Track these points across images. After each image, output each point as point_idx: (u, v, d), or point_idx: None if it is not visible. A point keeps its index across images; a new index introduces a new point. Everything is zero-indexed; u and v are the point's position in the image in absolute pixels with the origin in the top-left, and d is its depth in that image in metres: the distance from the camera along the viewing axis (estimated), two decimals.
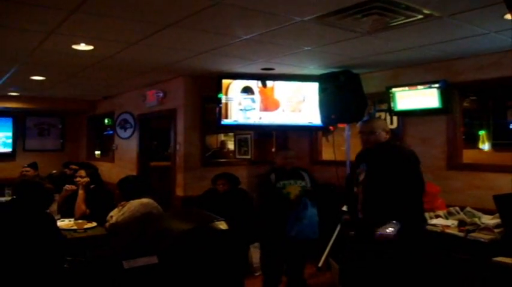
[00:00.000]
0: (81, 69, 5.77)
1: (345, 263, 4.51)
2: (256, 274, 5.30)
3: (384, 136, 3.46)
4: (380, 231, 3.13)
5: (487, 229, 3.37)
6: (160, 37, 4.12)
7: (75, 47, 4.45)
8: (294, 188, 4.65)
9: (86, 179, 4.90)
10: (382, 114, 5.79)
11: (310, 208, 4.49)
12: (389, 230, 3.09)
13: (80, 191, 4.81)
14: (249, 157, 7.25)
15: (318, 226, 4.49)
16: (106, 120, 9.58)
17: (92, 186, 4.90)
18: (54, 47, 4.45)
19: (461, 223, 3.53)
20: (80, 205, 4.74)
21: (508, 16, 3.30)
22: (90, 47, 4.49)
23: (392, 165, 3.34)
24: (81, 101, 9.43)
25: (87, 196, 4.84)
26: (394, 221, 3.12)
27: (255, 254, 5.37)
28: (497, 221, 3.43)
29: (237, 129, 7.00)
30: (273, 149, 7.34)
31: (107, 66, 5.54)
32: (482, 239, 3.28)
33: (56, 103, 9.17)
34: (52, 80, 6.69)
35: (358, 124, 3.71)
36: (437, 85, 4.95)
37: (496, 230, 3.32)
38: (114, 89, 7.88)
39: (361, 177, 3.45)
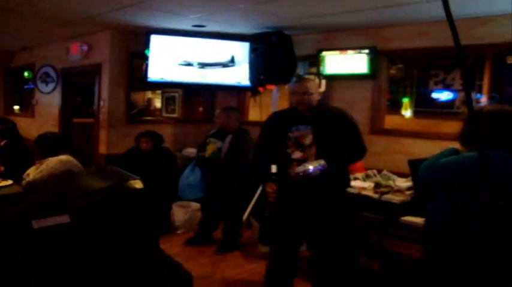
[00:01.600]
0: None
1: (266, 221, 4.60)
2: (178, 232, 5.33)
3: (316, 98, 3.37)
4: (298, 169, 3.11)
5: (399, 191, 3.55)
6: None
7: None
8: (211, 147, 5.03)
9: None
10: (312, 77, 5.83)
11: (192, 171, 4.93)
12: (309, 167, 3.08)
13: None
14: (176, 115, 7.14)
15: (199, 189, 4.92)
16: (26, 73, 9.01)
17: (4, 141, 4.61)
18: None
19: (377, 185, 3.69)
20: None
21: None
22: None
23: (343, 126, 3.32)
24: None
25: (1, 153, 4.57)
26: (322, 162, 3.11)
27: (177, 212, 5.38)
28: (409, 184, 3.62)
29: (164, 87, 6.86)
30: (200, 109, 7.29)
31: (24, 13, 5.14)
32: (394, 201, 3.45)
33: None
34: None
35: (290, 84, 3.52)
36: (367, 51, 5.06)
37: (407, 193, 3.51)
38: (34, 40, 7.38)
39: (307, 140, 3.29)
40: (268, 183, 3.31)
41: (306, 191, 3.27)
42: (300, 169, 3.11)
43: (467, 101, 1.29)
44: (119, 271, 1.85)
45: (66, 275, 1.77)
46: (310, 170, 3.07)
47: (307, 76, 5.62)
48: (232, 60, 5.94)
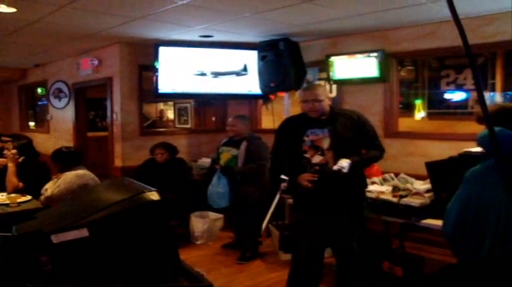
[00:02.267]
0: (4, 35, 5.40)
1: (287, 230, 4.59)
2: (197, 243, 5.33)
3: (327, 103, 3.35)
4: (338, 165, 3.16)
5: (418, 193, 3.51)
6: (90, 0, 3.92)
7: None
8: (225, 155, 4.99)
9: (13, 152, 4.65)
10: (322, 83, 5.85)
11: (220, 179, 4.87)
12: (344, 165, 3.14)
13: (9, 165, 4.57)
14: (189, 125, 7.17)
15: (228, 197, 4.84)
16: (39, 90, 9.14)
17: (22, 158, 4.66)
18: None
19: (395, 189, 3.65)
20: (11, 179, 4.51)
21: None
22: (12, 10, 4.19)
23: (359, 127, 3.34)
24: (10, 68, 8.89)
25: (19, 169, 4.62)
26: (348, 160, 3.17)
27: (196, 223, 5.38)
28: (427, 186, 3.57)
29: (175, 97, 6.89)
30: (213, 118, 7.30)
31: (35, 32, 5.21)
32: (413, 204, 3.41)
33: None
34: None
35: (300, 92, 3.54)
36: (375, 54, 5.04)
37: (426, 195, 3.47)
38: (45, 57, 7.47)
39: (325, 143, 3.28)
40: (306, 174, 3.29)
41: (327, 195, 3.27)
42: (336, 167, 3.15)
43: (480, 101, 1.27)
44: (139, 284, 1.85)
45: None
46: (345, 170, 3.13)
47: (315, 83, 5.67)
48: (245, 69, 5.97)
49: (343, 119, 3.34)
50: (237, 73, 5.97)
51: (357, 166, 3.26)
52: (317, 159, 3.30)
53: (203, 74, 5.87)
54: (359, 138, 3.34)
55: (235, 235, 5.24)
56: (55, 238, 1.83)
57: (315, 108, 3.30)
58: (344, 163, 3.14)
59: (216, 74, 5.91)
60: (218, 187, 4.86)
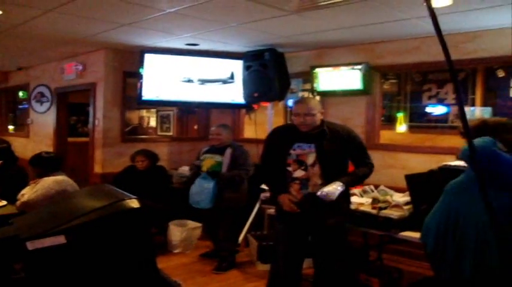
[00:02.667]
0: None
1: (265, 240, 4.58)
2: (175, 251, 5.29)
3: (319, 117, 3.28)
4: (325, 190, 3.10)
5: (397, 206, 3.54)
6: (78, 6, 3.91)
7: None
8: (208, 161, 4.92)
9: None
10: (306, 94, 5.89)
11: (205, 180, 4.79)
12: (332, 192, 3.09)
13: None
14: (171, 133, 7.14)
15: (210, 199, 4.72)
16: (21, 93, 9.02)
17: (0, 162, 4.59)
18: None
19: (375, 201, 3.67)
20: None
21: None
22: None
23: (348, 144, 3.29)
24: None
25: None
26: (339, 186, 3.12)
27: (174, 231, 5.34)
28: (407, 199, 3.61)
29: (159, 105, 6.86)
30: (195, 127, 7.29)
31: (20, 35, 5.17)
32: (392, 216, 3.44)
33: None
34: None
35: (293, 104, 3.46)
36: (359, 67, 5.10)
37: (405, 207, 3.50)
38: (29, 60, 7.41)
39: (310, 159, 3.23)
40: (287, 196, 3.27)
41: (310, 210, 3.25)
42: (321, 194, 3.09)
43: (461, 115, 1.30)
44: None
45: None
46: (333, 197, 3.09)
47: (299, 94, 5.70)
48: (231, 77, 5.99)
49: (332, 134, 3.27)
50: (224, 81, 5.98)
51: (348, 187, 3.26)
52: (299, 174, 3.26)
53: (190, 81, 5.87)
54: (347, 155, 3.31)
55: (213, 244, 5.21)
56: (30, 245, 1.79)
57: (306, 122, 3.23)
58: (333, 190, 3.10)
59: (203, 81, 5.92)
60: (202, 187, 4.79)
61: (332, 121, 3.56)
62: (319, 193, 3.10)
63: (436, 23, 1.22)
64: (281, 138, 3.41)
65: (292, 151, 3.28)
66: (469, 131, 1.41)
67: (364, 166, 3.35)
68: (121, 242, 1.89)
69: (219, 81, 5.98)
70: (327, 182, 3.17)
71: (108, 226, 1.86)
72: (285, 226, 3.38)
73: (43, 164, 4.22)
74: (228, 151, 4.86)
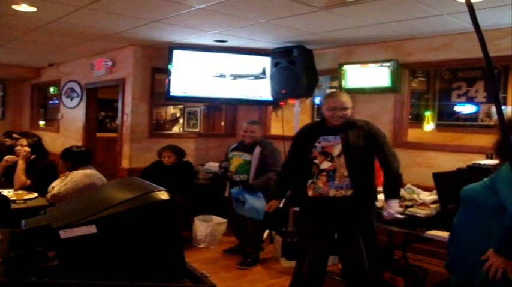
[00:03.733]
0: (23, 33, 5.49)
1: (290, 237, 4.58)
2: (200, 246, 5.33)
3: (350, 113, 3.43)
4: (389, 211, 3.27)
5: (424, 204, 3.49)
6: (108, 2, 3.98)
7: (15, 7, 4.21)
8: (236, 160, 4.92)
9: (27, 150, 4.70)
10: (344, 92, 5.85)
11: (246, 193, 4.69)
12: (395, 212, 3.28)
13: (20, 162, 4.62)
14: (197, 129, 7.19)
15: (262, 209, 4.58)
16: (52, 89, 9.23)
17: (33, 156, 4.71)
18: None
19: (401, 199, 3.63)
20: (20, 176, 4.55)
21: None
22: (33, 9, 4.27)
23: (372, 136, 3.36)
24: (25, 67, 9.01)
25: (28, 167, 4.66)
26: (396, 200, 3.31)
27: (199, 226, 5.39)
28: (434, 197, 3.56)
29: (187, 101, 6.92)
30: (222, 123, 7.33)
31: (52, 31, 5.29)
32: (419, 214, 3.39)
33: None
34: None
35: (323, 99, 3.54)
36: (388, 64, 5.05)
37: (432, 206, 3.45)
38: (60, 56, 7.56)
39: (336, 150, 3.31)
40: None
41: (336, 207, 3.32)
42: (387, 214, 3.28)
43: (498, 111, 1.27)
44: (146, 281, 1.86)
45: (92, 285, 1.79)
46: (396, 216, 3.28)
47: (327, 91, 5.68)
48: (263, 72, 6.00)
49: (355, 128, 3.36)
50: (256, 76, 6.00)
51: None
52: (325, 165, 3.32)
53: (222, 76, 5.92)
54: (370, 147, 3.34)
55: (238, 240, 5.23)
56: (63, 233, 1.84)
57: (340, 116, 3.34)
58: (396, 208, 3.29)
59: (236, 77, 5.96)
60: (253, 204, 4.69)
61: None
62: (385, 214, 3.30)
63: (474, 17, 1.20)
64: (307, 134, 3.51)
65: (317, 144, 3.36)
66: (506, 126, 1.36)
67: (388, 158, 3.38)
68: (150, 232, 1.93)
69: (251, 77, 6.00)
70: (352, 173, 3.26)
71: (138, 216, 1.89)
72: (316, 223, 3.41)
73: (74, 158, 4.32)
74: (257, 150, 4.83)
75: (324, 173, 3.32)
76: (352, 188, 3.29)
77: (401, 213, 3.39)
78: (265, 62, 5.96)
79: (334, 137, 3.33)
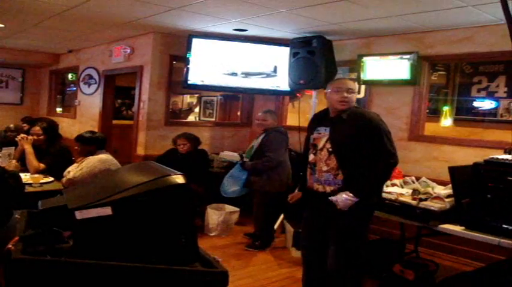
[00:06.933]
0: (43, 19, 5.53)
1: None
2: (211, 234, 5.36)
3: (355, 98, 3.24)
4: (333, 198, 3.08)
5: (438, 198, 3.44)
6: None
7: None
8: (250, 146, 5.16)
9: (23, 136, 4.77)
10: (351, 83, 5.81)
11: (237, 168, 5.02)
12: (337, 200, 3.06)
13: (26, 147, 4.65)
14: (213, 119, 7.20)
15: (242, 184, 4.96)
16: (70, 76, 9.31)
17: (35, 137, 4.79)
18: None
19: (415, 192, 3.60)
20: (31, 161, 4.58)
21: None
22: None
23: (367, 131, 3.07)
24: (44, 53, 9.10)
25: (42, 151, 4.73)
26: (346, 196, 3.03)
27: (212, 215, 5.41)
28: (449, 191, 3.51)
29: (204, 89, 6.93)
30: (238, 113, 7.33)
31: (72, 18, 5.33)
32: (433, 208, 3.35)
33: (16, 54, 8.82)
34: (12, 29, 6.42)
35: (330, 83, 3.41)
36: (408, 56, 5.00)
37: (447, 200, 3.41)
38: (79, 43, 7.62)
39: (321, 143, 3.18)
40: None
41: (319, 202, 3.24)
42: (333, 198, 3.09)
43: None
44: (159, 264, 1.88)
45: (106, 266, 1.81)
46: (339, 205, 3.06)
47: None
48: (275, 70, 6.01)
49: (352, 118, 3.12)
50: (267, 74, 6.01)
51: (367, 195, 3.09)
52: (310, 157, 3.27)
53: (234, 74, 5.93)
54: (361, 143, 3.07)
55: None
56: (79, 214, 1.86)
57: (346, 99, 3.14)
58: (341, 200, 3.05)
59: (247, 75, 5.97)
60: (232, 173, 5.05)
61: (370, 110, 3.49)
62: (331, 198, 3.10)
63: (507, 7, 1.17)
64: (312, 123, 3.43)
65: (312, 135, 3.30)
66: None
67: (379, 157, 3.05)
68: (165, 216, 1.94)
69: (263, 75, 6.00)
70: (331, 169, 3.12)
71: (153, 199, 1.91)
72: (308, 214, 3.40)
73: (89, 142, 4.36)
74: (261, 137, 4.99)
75: (309, 166, 3.28)
76: (334, 184, 3.12)
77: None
78: (278, 57, 5.95)
79: (325, 128, 3.20)
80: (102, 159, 4.26)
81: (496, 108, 6.03)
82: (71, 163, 4.61)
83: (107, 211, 1.87)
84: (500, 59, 5.18)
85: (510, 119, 5.70)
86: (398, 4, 4.01)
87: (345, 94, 3.15)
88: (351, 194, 3.03)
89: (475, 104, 6.26)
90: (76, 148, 4.47)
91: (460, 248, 4.52)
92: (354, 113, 3.16)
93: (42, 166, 4.60)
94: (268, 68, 6.01)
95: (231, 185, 4.99)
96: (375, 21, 4.67)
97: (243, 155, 5.24)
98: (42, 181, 4.24)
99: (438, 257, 4.62)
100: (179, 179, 1.96)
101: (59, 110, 9.90)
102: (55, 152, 4.81)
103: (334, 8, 4.23)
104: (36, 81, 10.23)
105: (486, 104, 6.14)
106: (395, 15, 4.40)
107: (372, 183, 3.09)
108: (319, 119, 3.34)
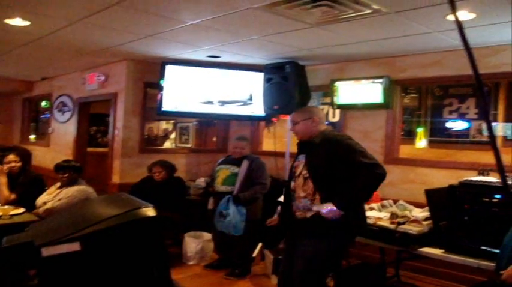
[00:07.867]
0: (15, 47, 5.46)
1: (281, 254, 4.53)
2: (190, 263, 5.25)
3: (309, 126, 3.23)
4: (314, 208, 3.05)
5: (416, 221, 3.46)
6: (102, 17, 3.95)
7: (8, 21, 4.19)
8: (223, 172, 4.98)
9: (6, 167, 4.68)
10: (325, 108, 5.87)
11: (232, 205, 4.73)
12: (321, 209, 3.00)
13: (0, 177, 4.56)
14: (190, 145, 7.16)
15: (244, 224, 4.70)
16: (43, 103, 9.18)
17: (10, 166, 4.68)
18: None
19: (393, 216, 3.61)
20: (3, 191, 4.48)
21: (450, 17, 3.38)
22: (27, 23, 4.24)
23: (332, 153, 3.04)
24: (17, 81, 8.94)
25: (12, 180, 4.61)
26: (329, 206, 2.97)
27: (189, 243, 5.31)
28: (426, 214, 3.53)
29: (178, 116, 6.90)
30: (214, 139, 7.30)
31: (46, 45, 5.27)
32: (411, 231, 3.35)
33: None
34: None
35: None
36: (380, 80, 5.07)
37: (425, 223, 3.42)
38: (53, 70, 7.54)
39: (298, 170, 3.18)
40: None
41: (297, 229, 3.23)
42: (315, 208, 3.06)
43: (488, 126, 1.25)
44: None
45: None
46: (324, 214, 3.00)
47: (311, 107, 5.67)
48: (250, 98, 6.03)
49: (322, 144, 3.12)
50: (244, 102, 6.03)
51: (348, 206, 3.01)
52: (291, 184, 3.28)
53: (210, 103, 5.93)
54: (336, 166, 3.03)
55: (218, 255, 5.19)
56: (45, 251, 1.79)
57: (294, 130, 3.34)
58: (323, 210, 3.00)
59: (223, 103, 5.98)
60: (235, 217, 4.73)
61: (343, 134, 3.52)
62: (314, 208, 3.07)
63: (463, 35, 1.19)
64: (297, 152, 3.41)
65: (294, 163, 3.33)
66: (495, 142, 1.34)
67: (359, 170, 2.97)
68: (136, 250, 1.88)
69: (239, 103, 6.02)
70: (307, 195, 3.12)
71: (124, 233, 1.85)
72: (289, 241, 3.40)
73: (79, 170, 4.33)
74: (245, 163, 4.88)
75: (291, 193, 3.27)
76: (311, 210, 3.10)
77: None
78: (253, 84, 5.97)
79: (303, 156, 3.23)
80: (81, 189, 4.26)
81: (468, 129, 6.14)
82: (42, 192, 4.52)
83: (75, 246, 1.81)
84: (468, 82, 5.29)
85: (482, 139, 5.81)
86: (368, 30, 4.08)
87: (292, 128, 3.34)
88: (333, 205, 2.98)
89: (448, 125, 6.37)
90: (62, 176, 4.44)
91: (442, 271, 4.51)
92: (325, 138, 3.17)
93: (13, 196, 4.49)
94: (245, 96, 6.03)
95: (239, 222, 4.71)
96: (346, 46, 4.74)
97: (212, 182, 5.12)
98: (12, 213, 4.10)
99: (420, 281, 4.60)
100: (150, 211, 1.90)
101: (32, 137, 9.73)
102: (27, 181, 4.71)
103: (305, 34, 4.28)
104: (9, 108, 10.06)
105: (459, 125, 6.25)
106: (365, 41, 4.48)
107: (352, 194, 3.01)
108: (301, 147, 3.34)
